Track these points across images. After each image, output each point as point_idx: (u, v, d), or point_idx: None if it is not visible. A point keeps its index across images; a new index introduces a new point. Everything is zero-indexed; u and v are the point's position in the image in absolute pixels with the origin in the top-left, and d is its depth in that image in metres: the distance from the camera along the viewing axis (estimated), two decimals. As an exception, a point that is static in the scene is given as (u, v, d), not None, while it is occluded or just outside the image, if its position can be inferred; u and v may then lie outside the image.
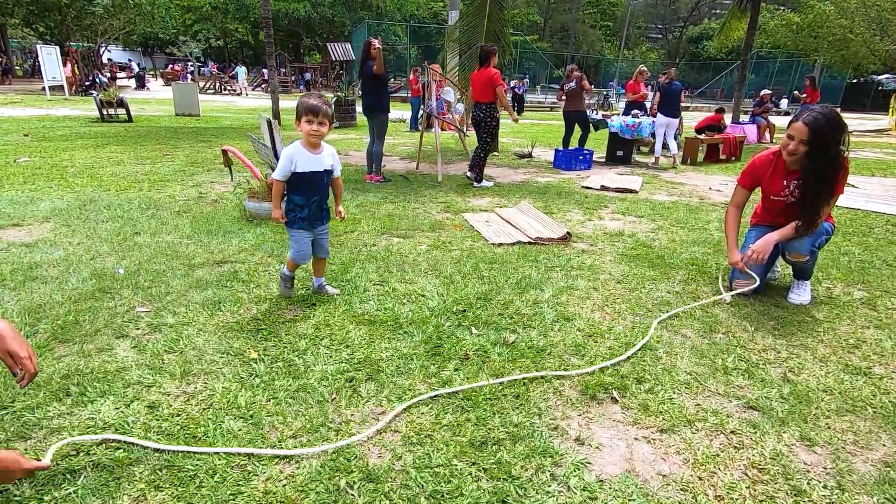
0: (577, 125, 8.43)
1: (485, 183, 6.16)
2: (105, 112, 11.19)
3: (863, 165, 8.65)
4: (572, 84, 8.05)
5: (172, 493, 1.48)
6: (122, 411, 1.83)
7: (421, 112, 10.59)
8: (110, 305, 2.63)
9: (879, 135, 15.20)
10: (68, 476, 1.53)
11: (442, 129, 9.34)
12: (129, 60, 33.83)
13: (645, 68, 9.17)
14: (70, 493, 1.46)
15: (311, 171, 2.54)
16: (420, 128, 8.14)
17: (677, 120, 8.18)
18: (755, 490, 1.57)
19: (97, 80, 19.48)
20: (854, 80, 29.99)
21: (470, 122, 8.71)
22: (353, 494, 1.50)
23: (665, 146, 8.23)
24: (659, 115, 8.03)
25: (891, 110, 16.63)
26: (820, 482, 1.61)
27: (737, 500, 1.53)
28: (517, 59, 29.94)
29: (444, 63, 8.93)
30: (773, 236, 2.82)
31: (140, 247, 3.51)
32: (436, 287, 3.00)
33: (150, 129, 10.17)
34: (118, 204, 4.56)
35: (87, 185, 5.25)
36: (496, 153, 9.02)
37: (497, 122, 6.03)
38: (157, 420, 1.79)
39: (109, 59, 29.47)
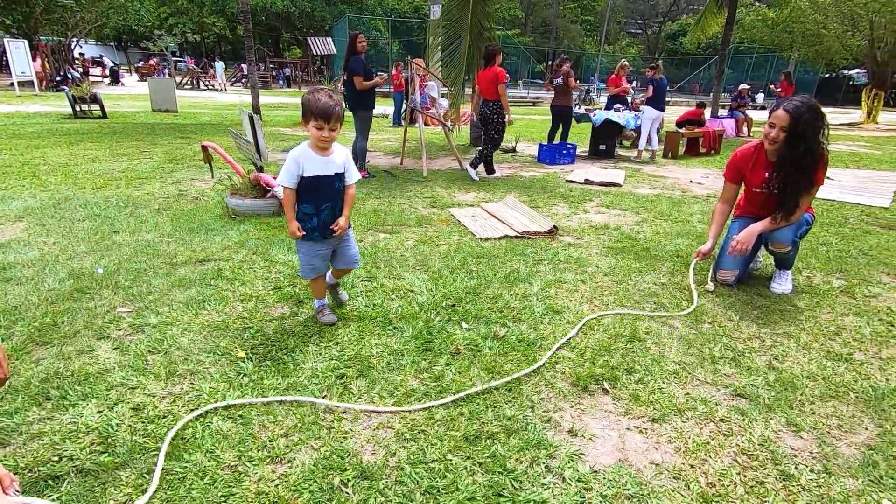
0: (565, 119, 8.46)
1: (472, 173, 6.18)
2: (78, 108, 10.85)
3: (837, 158, 8.87)
4: (559, 80, 8.07)
5: (161, 496, 1.44)
6: (105, 414, 1.77)
7: (404, 107, 10.51)
8: (90, 306, 2.55)
9: (852, 128, 15.59)
10: (51, 482, 1.48)
11: (426, 124, 9.29)
12: (101, 56, 32.72)
13: (627, 63, 9.24)
14: (54, 501, 1.41)
15: (320, 175, 2.24)
16: (403, 123, 8.08)
17: (663, 113, 8.27)
18: (745, 476, 1.60)
19: (69, 75, 18.88)
20: (827, 75, 30.72)
21: (455, 117, 8.69)
22: (347, 492, 1.48)
23: (649, 139, 8.32)
24: (649, 108, 8.07)
25: (862, 104, 17.07)
26: (807, 466, 1.65)
27: (728, 486, 1.56)
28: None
29: (427, 58, 8.87)
30: (757, 227, 2.87)
31: (119, 246, 3.41)
32: (424, 282, 2.98)
33: (125, 126, 9.91)
34: (94, 202, 4.43)
35: (61, 184, 5.09)
36: (480, 148, 9.01)
37: (503, 119, 6.22)
38: (143, 423, 1.74)
39: (81, 54, 28.55)
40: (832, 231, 4.36)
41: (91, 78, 22.66)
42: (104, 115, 10.99)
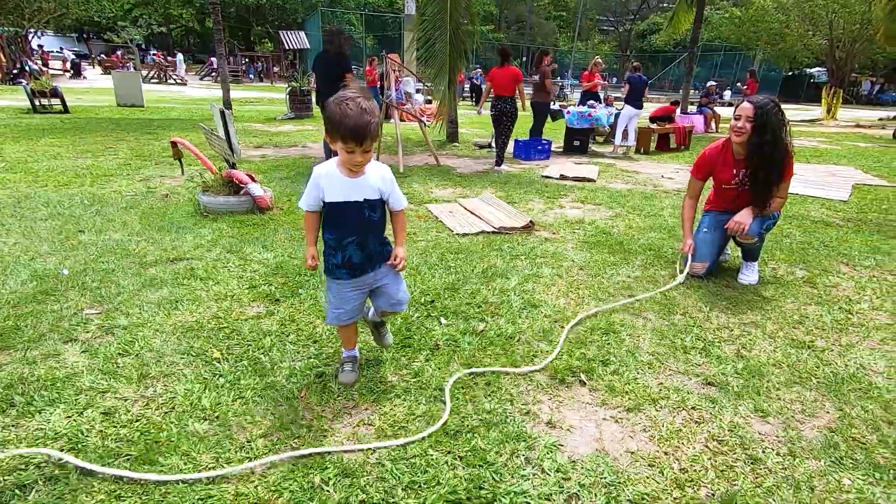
0: (539, 116, 8.53)
1: (504, 167, 6.70)
2: (37, 102, 10.39)
3: (799, 153, 9.17)
4: (536, 77, 8.17)
5: (136, 501, 1.41)
6: (74, 420, 1.72)
7: (380, 102, 10.42)
8: (55, 308, 2.46)
9: (813, 124, 16.19)
10: (17, 492, 1.43)
11: (402, 120, 9.24)
12: (61, 49, 31.24)
13: (600, 59, 9.38)
14: (21, 510, 1.37)
15: (344, 202, 1.74)
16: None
17: (641, 111, 8.45)
18: (716, 461, 1.66)
19: (27, 67, 18.04)
20: (790, 73, 31.79)
21: (445, 113, 8.65)
22: (328, 490, 1.48)
23: (625, 136, 8.50)
24: (628, 106, 8.28)
25: (823, 101, 17.75)
26: (774, 450, 1.72)
27: (699, 471, 1.61)
28: (475, 49, 29.93)
29: (402, 53, 8.81)
30: (752, 210, 2.97)
31: (85, 245, 3.30)
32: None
33: (89, 121, 9.54)
34: (58, 200, 4.26)
35: (20, 181, 4.88)
36: (456, 144, 9.02)
37: (517, 113, 6.60)
38: (115, 427, 1.69)
39: (40, 46, 27.26)
40: (795, 224, 4.53)
41: (51, 71, 21.69)
42: (66, 110, 10.56)
